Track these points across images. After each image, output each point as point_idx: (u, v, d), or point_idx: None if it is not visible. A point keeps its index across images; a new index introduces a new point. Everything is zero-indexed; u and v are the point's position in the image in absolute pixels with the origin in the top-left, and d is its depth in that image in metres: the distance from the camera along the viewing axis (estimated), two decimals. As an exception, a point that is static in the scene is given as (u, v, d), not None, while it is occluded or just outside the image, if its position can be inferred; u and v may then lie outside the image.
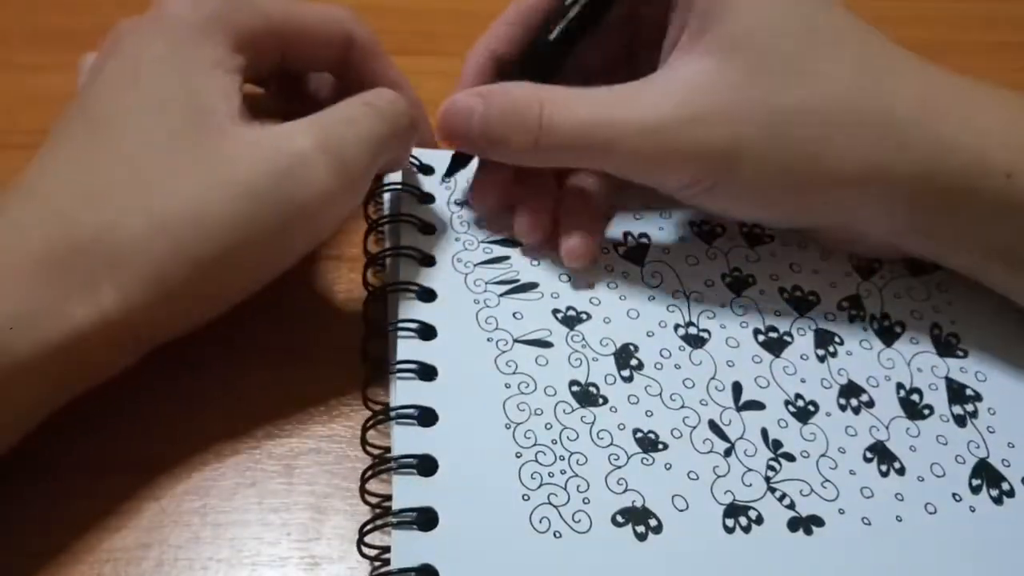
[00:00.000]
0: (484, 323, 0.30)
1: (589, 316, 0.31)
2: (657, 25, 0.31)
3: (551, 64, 0.32)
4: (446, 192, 0.33)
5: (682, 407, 0.29)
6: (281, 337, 0.31)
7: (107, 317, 0.26)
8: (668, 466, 0.28)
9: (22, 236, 0.25)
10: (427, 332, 0.30)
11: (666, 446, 0.28)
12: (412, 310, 0.30)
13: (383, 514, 0.26)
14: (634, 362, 0.30)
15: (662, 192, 0.31)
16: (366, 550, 0.26)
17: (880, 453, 0.29)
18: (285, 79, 0.35)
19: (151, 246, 0.26)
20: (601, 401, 0.29)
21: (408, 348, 0.29)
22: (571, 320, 0.31)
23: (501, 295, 0.31)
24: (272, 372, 0.31)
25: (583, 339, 0.30)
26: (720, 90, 0.28)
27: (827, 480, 0.28)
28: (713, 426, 0.29)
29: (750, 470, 0.28)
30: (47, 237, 0.25)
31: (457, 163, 0.33)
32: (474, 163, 0.33)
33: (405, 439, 0.27)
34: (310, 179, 0.27)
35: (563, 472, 0.27)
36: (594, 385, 0.29)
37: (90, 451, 0.28)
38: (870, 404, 0.30)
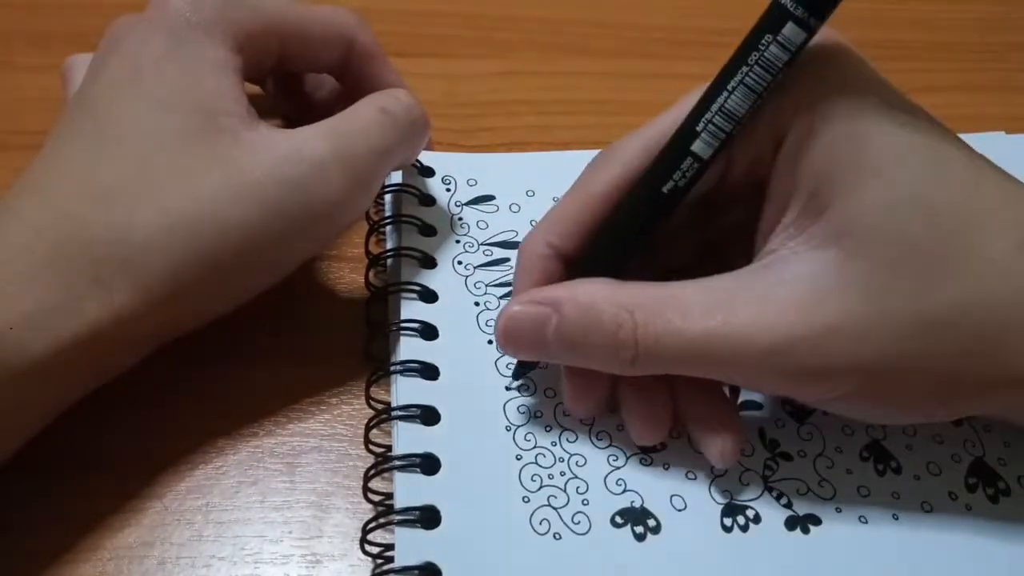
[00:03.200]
0: (485, 326, 0.30)
1: (588, 317, 0.31)
2: (741, 201, 0.28)
3: (625, 255, 0.27)
4: (447, 194, 0.34)
5: (681, 407, 0.29)
6: (283, 337, 0.31)
7: (120, 315, 0.26)
8: (666, 466, 0.28)
9: (32, 236, 0.25)
10: (429, 332, 0.30)
11: (664, 446, 0.28)
12: (414, 310, 0.30)
13: (386, 512, 0.26)
14: (633, 363, 0.30)
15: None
16: (368, 548, 0.26)
17: (877, 452, 0.29)
18: (283, 79, 0.35)
19: (167, 246, 0.26)
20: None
21: (410, 347, 0.29)
22: (570, 321, 0.31)
23: (501, 297, 0.31)
24: (274, 371, 0.31)
25: (582, 340, 0.30)
26: (849, 297, 0.24)
27: (824, 479, 0.28)
28: None
29: (748, 470, 0.28)
30: (58, 237, 0.25)
31: (526, 365, 0.29)
32: None
33: (408, 437, 0.28)
34: (324, 188, 0.28)
35: (563, 474, 0.27)
36: None
37: (92, 450, 0.28)
38: (867, 404, 0.30)
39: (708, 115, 0.25)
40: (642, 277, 0.27)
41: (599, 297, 0.26)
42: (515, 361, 0.29)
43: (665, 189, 0.26)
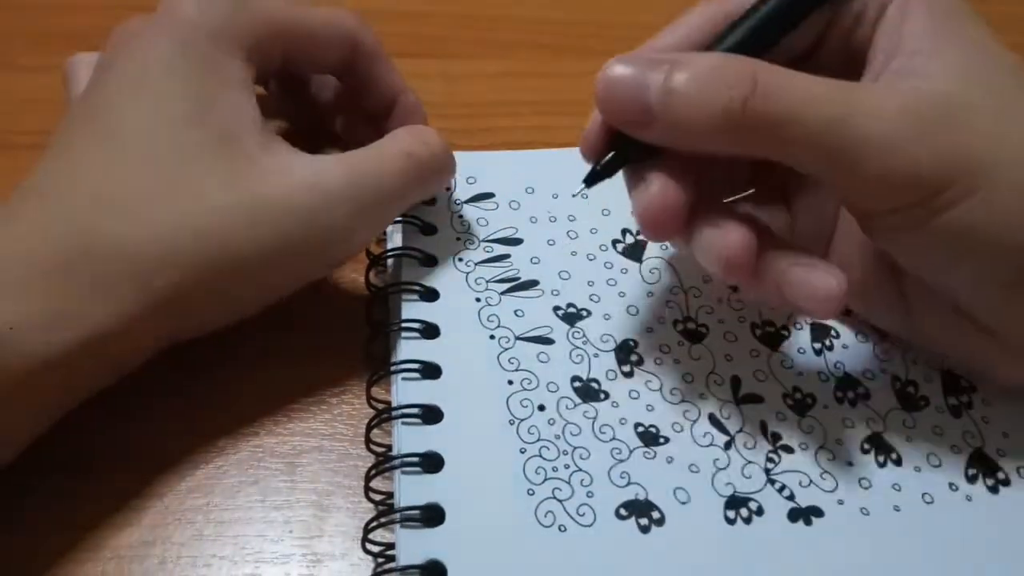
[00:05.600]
0: (486, 321, 0.31)
1: (589, 313, 0.31)
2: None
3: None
4: (446, 192, 0.34)
5: (682, 401, 0.29)
6: (284, 337, 0.31)
7: (126, 322, 0.26)
8: (670, 459, 0.28)
9: (39, 241, 0.25)
10: (430, 331, 0.30)
11: (667, 440, 0.28)
12: (414, 310, 0.30)
13: (388, 511, 0.26)
14: (634, 358, 0.30)
15: (863, 213, 0.26)
16: (370, 547, 0.26)
17: (877, 444, 0.29)
18: (286, 80, 0.35)
19: (179, 261, 0.26)
20: (603, 396, 0.29)
21: (411, 347, 0.29)
22: (571, 317, 0.31)
23: (502, 293, 0.31)
24: (275, 371, 0.31)
25: (584, 336, 0.30)
26: (974, 89, 0.24)
27: (826, 471, 0.28)
28: (713, 419, 0.29)
29: (750, 462, 0.28)
30: (67, 243, 0.25)
31: (609, 168, 0.27)
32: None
33: (409, 437, 0.28)
34: (331, 221, 0.28)
35: (567, 467, 0.28)
36: (595, 381, 0.30)
37: (93, 449, 0.28)
38: (867, 396, 0.30)
39: None
40: None
41: (718, 57, 0.25)
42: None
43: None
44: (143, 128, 0.27)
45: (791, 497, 0.28)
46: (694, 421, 0.29)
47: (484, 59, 0.43)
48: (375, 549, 0.26)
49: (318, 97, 0.36)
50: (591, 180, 0.27)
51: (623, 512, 0.27)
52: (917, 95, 0.24)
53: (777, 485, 0.28)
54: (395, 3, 0.45)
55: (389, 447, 0.28)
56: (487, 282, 0.31)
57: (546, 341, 0.30)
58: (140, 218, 0.26)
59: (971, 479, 0.28)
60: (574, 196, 0.30)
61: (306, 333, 0.32)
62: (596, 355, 0.30)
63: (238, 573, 0.27)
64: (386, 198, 0.29)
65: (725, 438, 0.29)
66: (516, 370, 0.29)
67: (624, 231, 0.33)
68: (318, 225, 0.28)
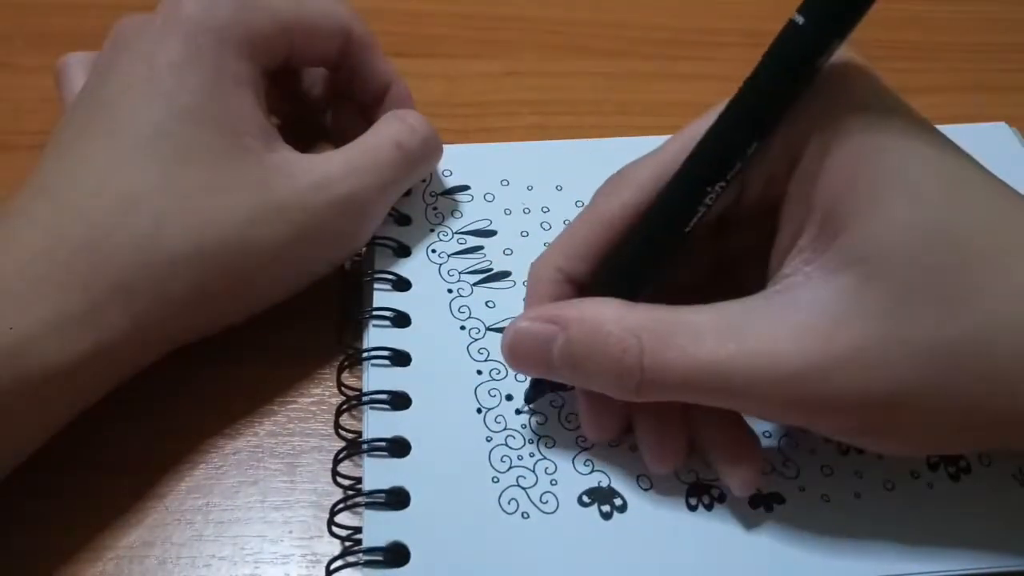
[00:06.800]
0: (457, 312, 0.31)
1: (559, 303, 0.32)
2: (756, 221, 0.26)
3: (638, 283, 0.26)
4: (422, 184, 0.34)
5: (649, 390, 0.30)
6: (283, 336, 0.32)
7: (140, 320, 0.26)
8: (633, 448, 0.28)
9: (51, 241, 0.25)
10: (401, 320, 0.30)
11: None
12: (386, 298, 0.31)
13: (354, 495, 0.27)
14: (603, 347, 0.31)
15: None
16: (337, 530, 0.27)
17: None
18: (279, 76, 0.36)
19: (195, 261, 0.26)
20: (570, 386, 0.30)
21: (382, 335, 0.30)
22: (542, 307, 0.31)
23: (475, 284, 0.32)
24: (275, 371, 0.31)
25: (554, 326, 0.31)
26: (866, 324, 0.22)
27: (788, 459, 0.29)
28: None
29: None
30: (80, 243, 0.25)
31: (540, 388, 0.29)
32: None
33: (377, 422, 0.28)
34: (341, 218, 0.29)
35: (532, 455, 0.28)
36: None
37: (93, 450, 0.29)
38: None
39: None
40: (653, 297, 0.26)
41: (607, 318, 0.24)
42: (528, 381, 0.29)
43: (687, 228, 0.25)
44: (152, 127, 0.27)
45: (753, 484, 0.28)
46: (659, 410, 0.29)
47: (484, 59, 0.43)
48: (342, 533, 0.27)
49: (311, 93, 0.36)
50: (530, 398, 0.29)
51: (586, 499, 0.27)
52: (814, 333, 0.22)
53: (740, 472, 0.28)
54: (395, 3, 0.45)
55: (360, 433, 0.29)
56: (460, 273, 0.32)
57: (516, 332, 0.31)
58: (155, 219, 0.26)
59: (932, 467, 0.29)
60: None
61: (305, 332, 0.32)
62: (565, 345, 0.30)
63: (238, 573, 0.27)
64: (385, 191, 0.30)
65: (690, 426, 0.29)
66: (486, 360, 0.30)
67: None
68: (327, 223, 0.28)
